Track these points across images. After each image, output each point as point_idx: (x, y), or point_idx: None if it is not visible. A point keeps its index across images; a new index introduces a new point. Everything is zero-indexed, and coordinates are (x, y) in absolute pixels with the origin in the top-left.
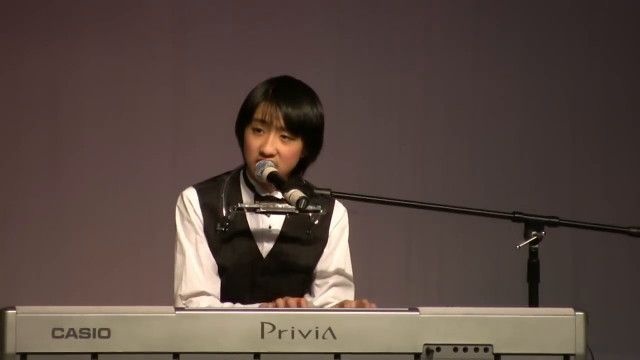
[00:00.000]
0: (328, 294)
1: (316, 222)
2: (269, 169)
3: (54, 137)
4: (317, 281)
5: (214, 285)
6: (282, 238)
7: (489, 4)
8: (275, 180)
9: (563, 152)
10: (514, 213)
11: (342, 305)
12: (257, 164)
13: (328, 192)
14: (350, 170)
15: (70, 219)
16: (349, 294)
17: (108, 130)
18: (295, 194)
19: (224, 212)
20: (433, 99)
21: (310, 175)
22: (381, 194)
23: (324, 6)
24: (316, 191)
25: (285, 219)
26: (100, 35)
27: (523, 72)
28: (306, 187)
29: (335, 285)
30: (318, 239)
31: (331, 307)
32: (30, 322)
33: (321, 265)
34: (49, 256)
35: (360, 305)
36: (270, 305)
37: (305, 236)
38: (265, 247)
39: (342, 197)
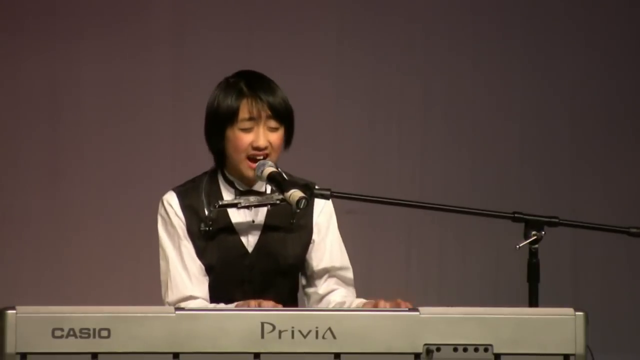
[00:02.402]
0: (330, 281)
1: (298, 211)
2: (268, 169)
3: (54, 138)
4: (315, 270)
5: (201, 287)
6: (267, 230)
7: (487, 4)
8: (275, 181)
9: (563, 152)
10: (514, 213)
11: (376, 305)
12: (256, 164)
13: (328, 192)
14: (350, 170)
15: (70, 219)
16: (348, 279)
17: (108, 132)
18: (295, 194)
19: (206, 211)
20: (433, 99)
21: (311, 175)
22: (381, 194)
23: (324, 8)
24: (316, 191)
25: (268, 211)
26: (100, 37)
27: (523, 72)
28: (306, 187)
29: (334, 271)
30: (302, 228)
31: (358, 304)
32: (30, 322)
33: (315, 254)
34: (49, 256)
35: (396, 305)
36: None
37: (289, 226)
38: (251, 242)
39: (342, 197)
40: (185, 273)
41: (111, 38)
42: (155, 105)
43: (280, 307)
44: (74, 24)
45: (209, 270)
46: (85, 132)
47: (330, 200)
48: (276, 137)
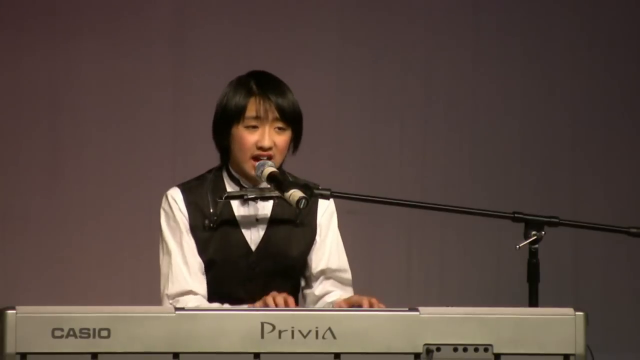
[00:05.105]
0: (327, 283)
1: (300, 213)
2: (269, 169)
3: (54, 137)
4: (313, 271)
5: (201, 284)
6: (271, 227)
7: (489, 4)
8: (275, 181)
9: (563, 152)
10: (514, 213)
11: (351, 301)
12: (256, 164)
13: (328, 192)
14: (350, 170)
15: (70, 219)
16: (346, 280)
17: (108, 131)
18: (296, 194)
19: (211, 208)
20: (433, 99)
21: (311, 175)
22: (381, 194)
23: (324, 6)
24: (316, 191)
25: (272, 208)
26: (100, 36)
27: (523, 72)
28: (306, 187)
29: (332, 273)
30: (306, 226)
31: (338, 300)
32: (30, 322)
33: (315, 255)
34: (49, 256)
35: (370, 304)
36: (257, 305)
37: (293, 224)
38: (254, 238)
39: (342, 197)
40: (185, 268)
41: (111, 37)
42: (155, 104)
43: (292, 300)
44: (73, 22)
45: (211, 265)
46: (85, 132)
47: (333, 200)
48: (282, 139)
